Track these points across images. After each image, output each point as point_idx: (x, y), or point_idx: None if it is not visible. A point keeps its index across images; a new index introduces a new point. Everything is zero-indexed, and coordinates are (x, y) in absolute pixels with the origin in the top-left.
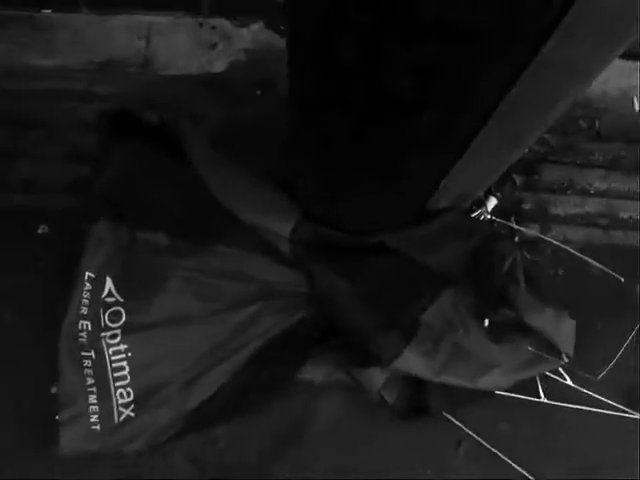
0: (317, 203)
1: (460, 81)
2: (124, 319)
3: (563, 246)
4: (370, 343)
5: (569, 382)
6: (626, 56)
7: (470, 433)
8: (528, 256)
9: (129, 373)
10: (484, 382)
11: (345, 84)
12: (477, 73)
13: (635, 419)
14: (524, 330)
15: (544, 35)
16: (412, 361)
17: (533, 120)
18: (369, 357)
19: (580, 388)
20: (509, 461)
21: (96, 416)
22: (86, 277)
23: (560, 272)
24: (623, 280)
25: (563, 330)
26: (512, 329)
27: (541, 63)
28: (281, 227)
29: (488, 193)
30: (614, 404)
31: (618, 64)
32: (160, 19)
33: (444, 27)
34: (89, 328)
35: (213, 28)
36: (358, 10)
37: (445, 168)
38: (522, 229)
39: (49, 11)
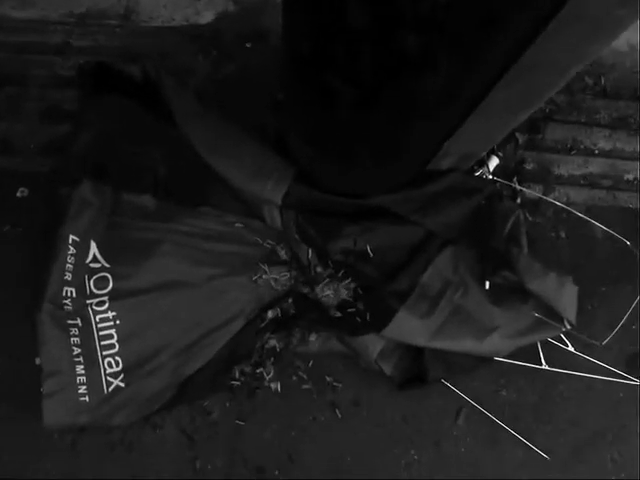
0: (312, 165)
1: (469, 40)
2: (111, 285)
3: (566, 207)
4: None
5: (571, 349)
6: None
7: (470, 401)
8: (530, 218)
9: (117, 341)
10: (483, 346)
11: (353, 43)
12: (487, 33)
13: (635, 387)
14: (525, 294)
15: None
16: (407, 323)
17: (545, 81)
18: (363, 324)
19: (582, 355)
20: (509, 429)
21: (84, 387)
22: (70, 240)
23: (563, 234)
24: (629, 243)
25: (565, 296)
26: (513, 292)
27: (559, 21)
28: (272, 193)
29: (490, 152)
30: (616, 371)
31: None
32: None
33: None
34: (74, 295)
35: None
36: None
37: (450, 131)
38: (524, 189)
39: None
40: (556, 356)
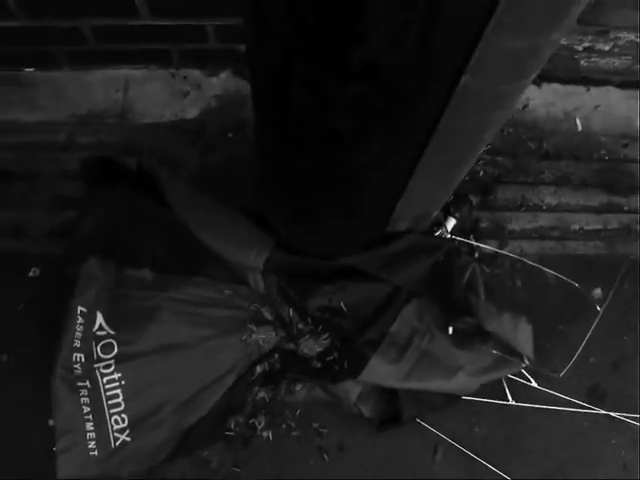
0: (287, 234)
1: (392, 116)
2: (116, 350)
3: (520, 258)
4: (341, 356)
5: (534, 384)
6: (567, 81)
7: (446, 438)
8: (487, 270)
9: (123, 400)
10: (450, 385)
11: (297, 124)
12: (405, 108)
13: (597, 416)
14: (485, 336)
15: (457, 75)
16: (380, 368)
17: (468, 143)
18: (341, 371)
19: (544, 389)
20: (485, 463)
21: (93, 442)
22: (79, 311)
23: (519, 283)
24: (577, 285)
25: (521, 334)
26: (474, 335)
27: (460, 97)
28: (255, 260)
29: (447, 214)
30: (579, 402)
31: (561, 88)
32: (135, 72)
33: (371, 69)
34: (83, 360)
35: (185, 78)
36: (301, 60)
37: (396, 193)
38: (481, 245)
39: (32, 69)
40: (522, 391)
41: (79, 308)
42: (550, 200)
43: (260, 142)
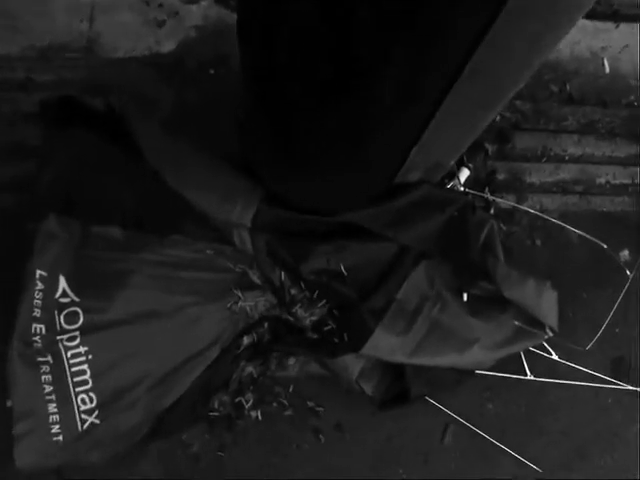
0: (278, 184)
1: (424, 37)
2: (82, 320)
3: (540, 215)
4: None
5: (555, 357)
6: (595, 17)
7: (456, 417)
8: (505, 227)
9: (91, 377)
10: (464, 360)
11: (306, 49)
12: (439, 31)
13: (622, 393)
14: (504, 303)
15: None
16: (385, 340)
17: (505, 79)
18: (341, 344)
19: (567, 362)
20: (498, 444)
21: (57, 426)
22: (37, 276)
23: (539, 242)
24: (605, 246)
25: (545, 302)
26: (492, 303)
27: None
28: (241, 215)
29: (460, 164)
30: (603, 377)
31: (588, 25)
32: None
33: None
34: (43, 332)
35: (160, 6)
36: None
37: (413, 137)
38: (497, 199)
39: None
40: (540, 365)
41: (38, 272)
42: (573, 150)
43: (249, 75)
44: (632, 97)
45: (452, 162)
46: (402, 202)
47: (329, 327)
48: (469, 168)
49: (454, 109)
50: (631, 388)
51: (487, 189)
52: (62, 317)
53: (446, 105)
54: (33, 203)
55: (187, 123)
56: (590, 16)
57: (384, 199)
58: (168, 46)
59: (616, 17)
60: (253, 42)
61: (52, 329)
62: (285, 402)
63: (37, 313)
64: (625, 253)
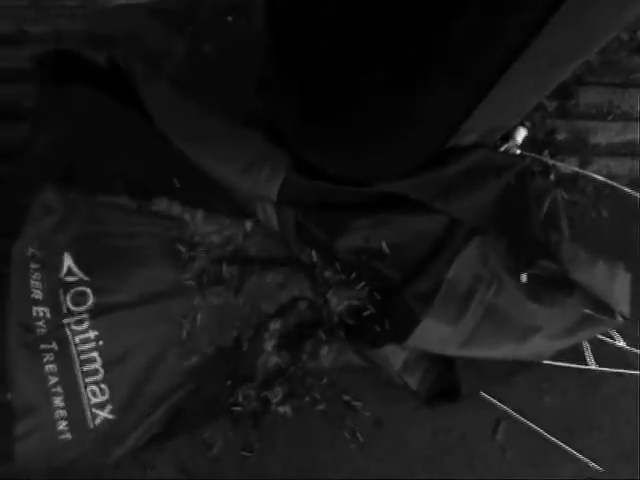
0: (309, 148)
1: None
2: (92, 300)
3: (608, 182)
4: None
5: (622, 344)
6: None
7: (509, 411)
8: (567, 196)
9: (102, 366)
10: (524, 351)
11: None
12: None
13: None
14: (569, 286)
15: None
16: (434, 330)
17: (597, 23)
18: (382, 333)
19: (636, 350)
20: (557, 441)
21: (64, 423)
22: (29, 254)
23: (605, 213)
24: None
25: (617, 286)
26: (555, 285)
27: None
28: (266, 186)
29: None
30: None
31: None
32: None
33: None
34: (47, 315)
35: None
36: None
37: (477, 95)
38: (558, 164)
39: None
40: (603, 353)
41: (30, 250)
42: None
43: (277, 20)
44: None
45: (514, 124)
46: (453, 169)
47: (368, 313)
48: (526, 127)
49: (528, 65)
50: None
51: (546, 151)
52: (69, 298)
53: (522, 59)
54: (26, 172)
55: (201, 80)
56: None
57: (433, 165)
58: None
59: None
60: None
61: (57, 311)
62: (318, 396)
63: (38, 295)
64: None
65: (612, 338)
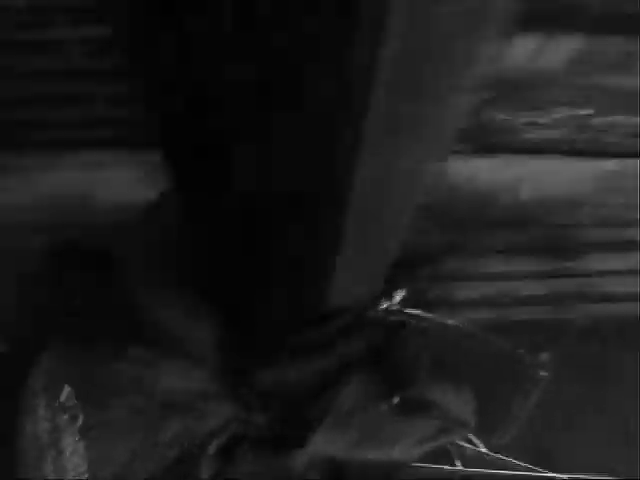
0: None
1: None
2: (81, 420)
3: (468, 329)
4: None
5: (483, 449)
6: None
7: None
8: (433, 340)
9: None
10: (395, 454)
11: None
12: None
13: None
14: (429, 404)
15: None
16: (326, 438)
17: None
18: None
19: (491, 453)
20: None
21: None
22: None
23: (463, 351)
24: (522, 351)
25: (462, 402)
26: (418, 404)
27: None
28: None
29: (393, 287)
30: (525, 465)
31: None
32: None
33: None
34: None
35: None
36: None
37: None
38: (427, 316)
39: None
40: (472, 456)
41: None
42: (496, 268)
43: None
44: (550, 219)
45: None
46: (333, 326)
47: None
48: (402, 289)
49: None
50: (557, 476)
51: (418, 307)
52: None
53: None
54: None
55: None
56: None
57: (311, 326)
58: None
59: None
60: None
61: (56, 427)
62: None
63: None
64: (544, 356)
65: (474, 444)
